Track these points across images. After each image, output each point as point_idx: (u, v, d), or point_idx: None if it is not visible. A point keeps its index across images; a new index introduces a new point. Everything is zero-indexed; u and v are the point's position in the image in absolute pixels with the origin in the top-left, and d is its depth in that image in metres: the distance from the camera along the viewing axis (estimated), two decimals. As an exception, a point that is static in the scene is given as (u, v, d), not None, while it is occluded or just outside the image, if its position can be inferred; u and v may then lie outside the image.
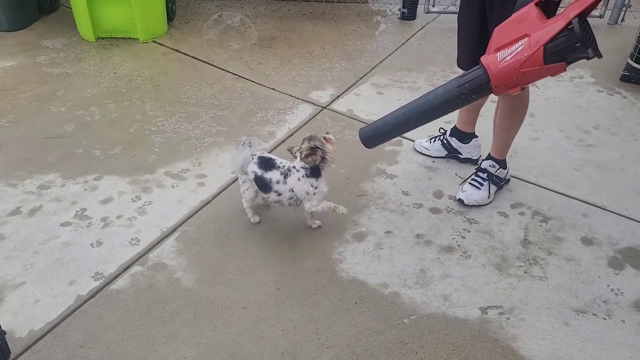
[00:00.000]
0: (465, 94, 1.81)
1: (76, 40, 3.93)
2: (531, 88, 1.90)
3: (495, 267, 2.15)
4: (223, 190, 2.52)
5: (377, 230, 2.32)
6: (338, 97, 3.32)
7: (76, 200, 2.45)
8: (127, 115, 3.09)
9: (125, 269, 2.11)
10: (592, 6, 1.63)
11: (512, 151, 2.52)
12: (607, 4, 4.27)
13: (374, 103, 3.25)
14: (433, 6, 4.44)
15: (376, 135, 2.07)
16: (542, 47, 1.63)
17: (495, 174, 2.47)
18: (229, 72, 3.58)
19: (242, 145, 2.16)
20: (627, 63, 3.48)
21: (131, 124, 3.02)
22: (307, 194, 2.15)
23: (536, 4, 1.71)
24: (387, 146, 2.83)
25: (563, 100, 3.30)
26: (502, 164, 2.49)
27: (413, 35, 4.15)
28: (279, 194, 2.16)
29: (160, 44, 3.93)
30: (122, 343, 1.83)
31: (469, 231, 2.33)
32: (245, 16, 4.43)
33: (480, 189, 2.45)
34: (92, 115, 3.08)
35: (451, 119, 2.70)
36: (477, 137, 2.69)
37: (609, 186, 2.60)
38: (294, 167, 2.15)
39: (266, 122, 3.06)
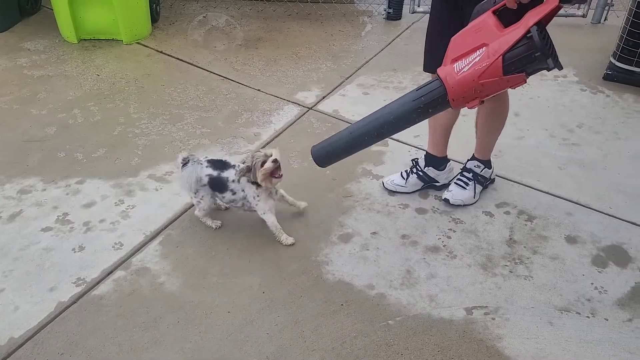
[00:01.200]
0: (422, 108, 1.70)
1: (58, 42, 3.87)
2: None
3: (480, 267, 2.15)
4: (208, 192, 2.50)
5: (363, 232, 2.31)
6: (324, 97, 3.31)
7: (57, 205, 2.41)
8: (110, 118, 3.05)
9: (108, 274, 2.08)
10: (552, 14, 1.56)
11: (497, 150, 2.52)
12: (590, 3, 4.30)
13: (359, 104, 3.24)
14: (418, 6, 4.45)
15: (329, 152, 1.87)
16: (500, 57, 1.55)
17: (481, 173, 2.47)
18: (214, 73, 3.56)
19: (187, 165, 2.15)
20: (610, 62, 3.51)
21: (114, 126, 2.98)
22: (254, 198, 2.16)
23: (493, 12, 1.63)
24: (374, 147, 2.80)
25: (547, 99, 3.32)
26: (487, 163, 2.49)
27: (399, 36, 4.15)
28: (234, 193, 2.17)
29: (144, 45, 3.89)
30: (104, 350, 1.80)
31: (454, 231, 2.33)
32: (231, 17, 4.40)
33: (465, 188, 2.45)
34: (74, 118, 3.04)
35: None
36: (449, 160, 2.55)
37: (593, 184, 2.62)
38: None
39: (251, 123, 3.04)
